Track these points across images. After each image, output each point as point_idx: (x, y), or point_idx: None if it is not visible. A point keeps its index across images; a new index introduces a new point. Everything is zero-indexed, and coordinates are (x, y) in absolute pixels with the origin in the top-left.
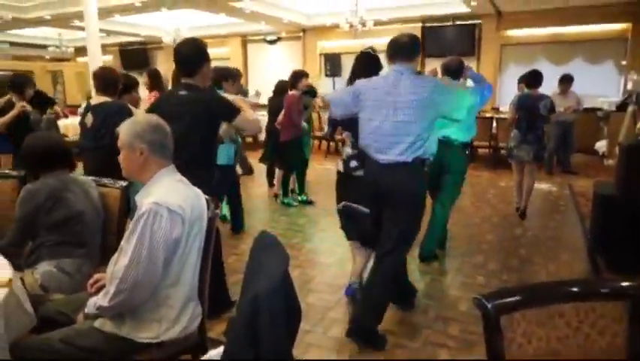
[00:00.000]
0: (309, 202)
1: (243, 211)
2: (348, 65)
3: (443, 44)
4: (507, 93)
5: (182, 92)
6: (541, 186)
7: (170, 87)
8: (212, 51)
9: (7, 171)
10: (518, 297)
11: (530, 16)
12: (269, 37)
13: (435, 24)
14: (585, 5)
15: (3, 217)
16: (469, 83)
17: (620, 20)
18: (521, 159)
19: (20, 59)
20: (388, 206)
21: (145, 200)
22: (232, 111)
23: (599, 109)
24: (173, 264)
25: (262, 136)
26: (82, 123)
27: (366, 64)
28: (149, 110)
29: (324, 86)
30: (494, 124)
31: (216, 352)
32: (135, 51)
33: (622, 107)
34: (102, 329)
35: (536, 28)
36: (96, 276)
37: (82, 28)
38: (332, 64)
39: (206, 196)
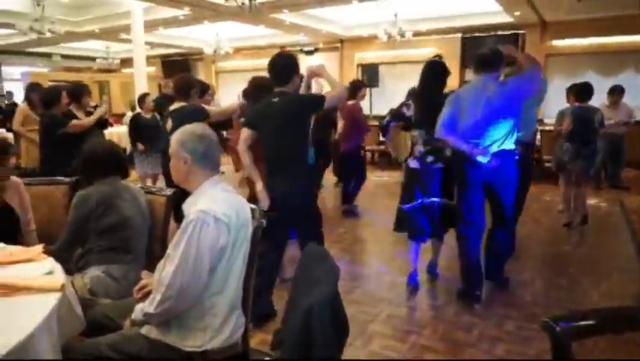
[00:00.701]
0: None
1: None
2: (385, 75)
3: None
4: (552, 105)
5: (276, 99)
6: (590, 202)
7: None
8: (251, 62)
9: (58, 178)
10: (592, 321)
11: (576, 26)
12: (306, 48)
13: (476, 34)
14: (632, 14)
15: (55, 223)
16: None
17: None
18: (575, 172)
19: (70, 70)
20: (494, 188)
21: (192, 208)
22: (319, 97)
23: None
24: (218, 272)
25: None
26: (163, 129)
27: (436, 72)
28: (246, 122)
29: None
30: (538, 136)
31: None
32: (177, 62)
33: None
34: (148, 335)
35: (582, 38)
36: (142, 282)
37: (128, 41)
38: (369, 74)
39: (252, 205)
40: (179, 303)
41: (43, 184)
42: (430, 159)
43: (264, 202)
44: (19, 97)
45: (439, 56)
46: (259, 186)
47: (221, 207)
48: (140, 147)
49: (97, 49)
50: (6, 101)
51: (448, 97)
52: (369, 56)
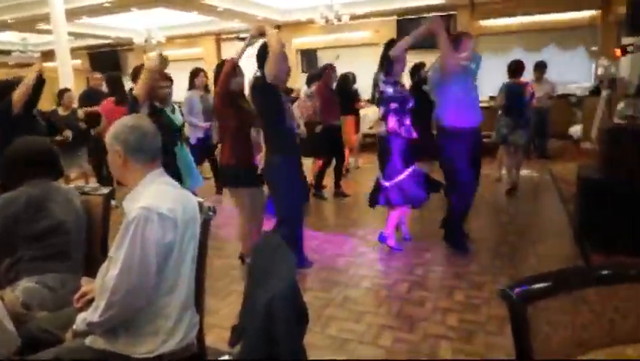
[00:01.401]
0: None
1: None
2: (324, 59)
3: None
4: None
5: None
6: (522, 172)
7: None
8: (185, 51)
9: None
10: (544, 284)
11: (503, 6)
12: (242, 35)
13: (410, 16)
14: None
15: None
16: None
17: (590, 7)
18: (517, 142)
19: None
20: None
21: (133, 205)
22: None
23: (572, 95)
24: (167, 271)
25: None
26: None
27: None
28: None
29: (301, 83)
30: None
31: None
32: (105, 54)
33: (594, 92)
34: (94, 346)
35: (509, 18)
36: (82, 289)
37: (48, 32)
38: (308, 59)
39: (199, 199)
40: (125, 308)
41: None
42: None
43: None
44: None
45: (394, 40)
46: None
47: (165, 202)
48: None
49: (12, 41)
50: None
51: None
52: (307, 40)
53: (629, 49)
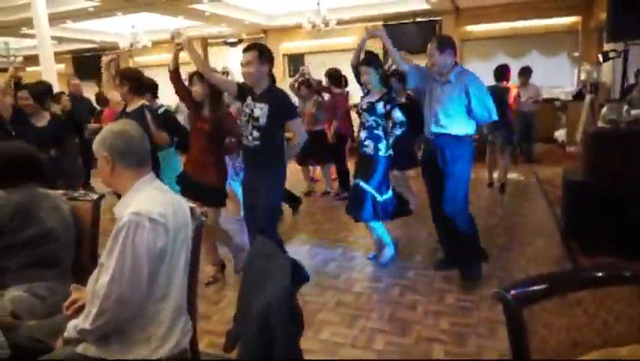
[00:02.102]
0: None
1: None
2: (311, 65)
3: (405, 42)
4: None
5: None
6: (509, 176)
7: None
8: (170, 56)
9: None
10: (540, 287)
11: (487, 12)
12: (230, 40)
13: (396, 22)
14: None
15: None
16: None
17: (571, 14)
18: (496, 143)
19: None
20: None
21: (124, 211)
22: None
23: (556, 99)
24: (159, 277)
25: None
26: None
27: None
28: None
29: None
30: None
31: None
32: (90, 58)
33: (577, 96)
34: (86, 354)
35: (493, 24)
36: (73, 297)
37: (31, 36)
38: (295, 64)
39: (191, 204)
40: (117, 315)
41: None
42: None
43: None
44: None
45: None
46: None
47: (156, 207)
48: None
49: None
50: None
51: None
52: (294, 45)
53: (611, 55)
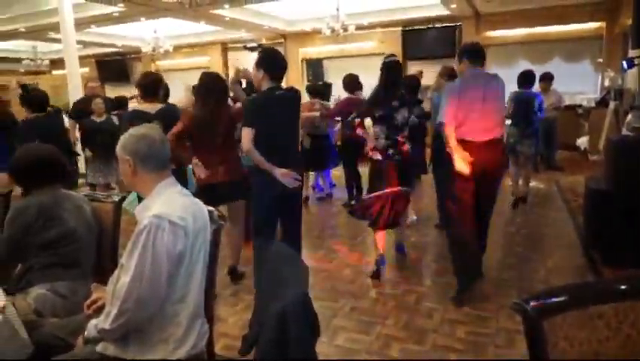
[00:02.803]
0: None
1: None
2: (329, 69)
3: (424, 47)
4: None
5: (280, 92)
6: (530, 184)
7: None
8: (192, 60)
9: None
10: (561, 298)
11: (508, 17)
12: (249, 45)
13: (415, 27)
14: (561, 5)
15: None
16: None
17: (595, 19)
18: (525, 153)
19: None
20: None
21: (145, 213)
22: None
23: (579, 106)
24: (178, 279)
25: None
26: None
27: (395, 72)
28: (251, 110)
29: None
30: None
31: None
32: (113, 62)
33: (601, 103)
34: (105, 353)
35: (515, 29)
36: (93, 296)
37: (58, 40)
38: (314, 69)
39: (210, 208)
40: (137, 316)
41: None
42: (390, 152)
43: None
44: None
45: (394, 55)
46: (279, 171)
47: (176, 210)
48: (88, 153)
49: (23, 49)
50: None
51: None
52: (312, 50)
53: (636, 61)
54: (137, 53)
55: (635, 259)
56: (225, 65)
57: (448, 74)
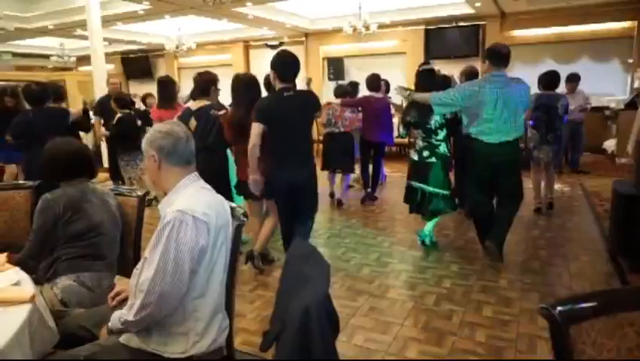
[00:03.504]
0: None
1: None
2: (351, 68)
3: (447, 46)
4: None
5: (290, 93)
6: (554, 186)
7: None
8: (214, 58)
9: (20, 182)
10: (589, 304)
11: (534, 16)
12: (271, 42)
13: (438, 26)
14: (589, 4)
15: (17, 230)
16: None
17: (625, 18)
18: (544, 159)
19: (22, 70)
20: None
21: (169, 209)
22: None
23: (607, 108)
24: (199, 274)
25: None
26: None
27: (429, 80)
28: (259, 108)
29: (329, 90)
30: None
31: None
32: (137, 59)
33: (630, 105)
34: (128, 344)
35: (541, 28)
36: (117, 289)
37: (84, 37)
38: (335, 68)
39: (232, 204)
40: (159, 309)
41: (4, 189)
42: (425, 153)
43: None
44: None
45: (428, 62)
46: (252, 177)
47: (200, 206)
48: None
49: (51, 46)
50: None
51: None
52: (334, 49)
53: None
54: (161, 50)
55: None
56: (247, 62)
57: (468, 74)
